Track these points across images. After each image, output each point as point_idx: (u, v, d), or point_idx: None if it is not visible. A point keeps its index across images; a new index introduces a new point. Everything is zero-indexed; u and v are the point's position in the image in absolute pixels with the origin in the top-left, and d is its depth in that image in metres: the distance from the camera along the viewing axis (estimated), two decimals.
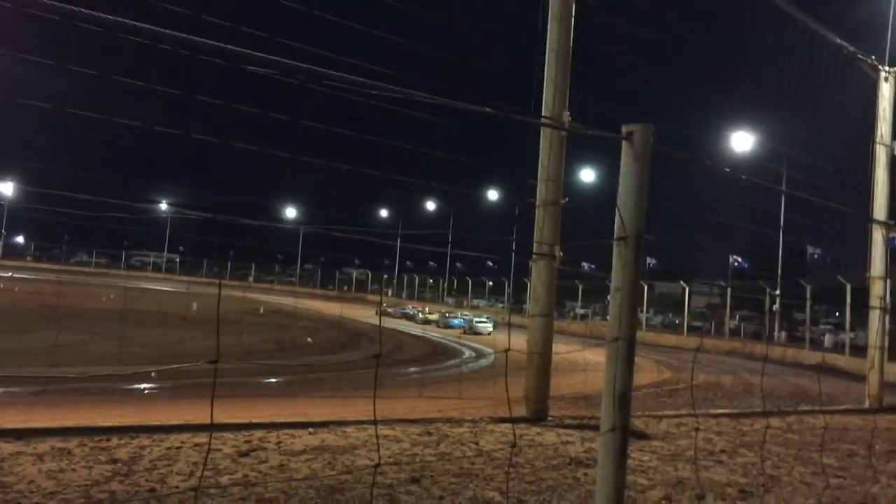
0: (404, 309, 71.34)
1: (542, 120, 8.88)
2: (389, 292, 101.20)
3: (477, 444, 7.14)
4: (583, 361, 21.00)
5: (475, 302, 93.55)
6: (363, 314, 62.05)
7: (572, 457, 6.75)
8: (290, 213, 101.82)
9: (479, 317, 59.30)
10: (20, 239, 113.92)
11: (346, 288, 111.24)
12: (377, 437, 6.99)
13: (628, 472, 3.17)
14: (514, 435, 7.74)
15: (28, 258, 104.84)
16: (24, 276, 63.61)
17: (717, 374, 32.80)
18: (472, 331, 53.63)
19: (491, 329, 54.37)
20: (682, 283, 63.80)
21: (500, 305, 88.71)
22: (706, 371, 33.87)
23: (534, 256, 9.45)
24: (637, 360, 3.14)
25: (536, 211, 9.35)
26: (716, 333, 63.58)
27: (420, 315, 65.54)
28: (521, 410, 9.18)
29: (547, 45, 9.41)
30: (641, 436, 8.11)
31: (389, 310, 71.50)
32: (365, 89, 2.95)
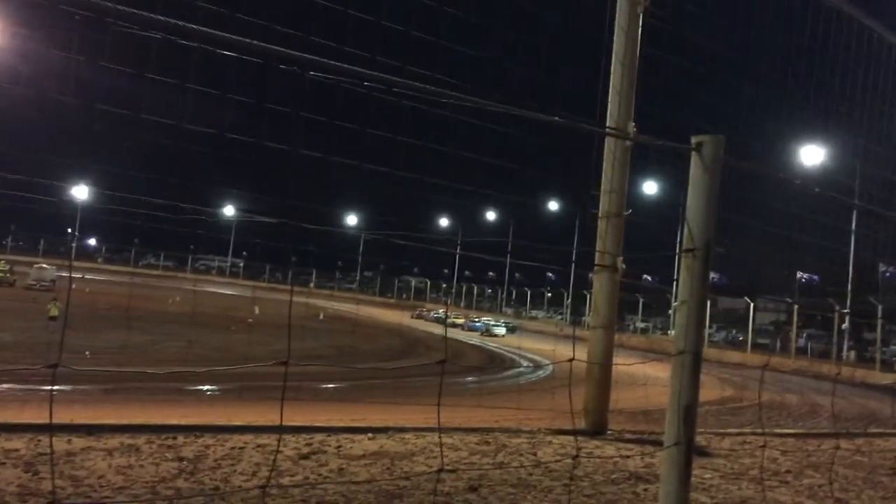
0: (436, 313, 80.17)
1: (608, 130, 8.82)
2: (448, 301, 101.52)
3: (535, 454, 7.10)
4: (643, 376, 20.70)
5: (533, 313, 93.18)
6: (411, 321, 63.08)
7: (632, 471, 6.66)
8: (352, 219, 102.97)
9: (497, 322, 70.16)
10: (92, 241, 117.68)
11: (404, 296, 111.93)
12: (440, 444, 7.01)
13: (690, 489, 3.12)
14: (576, 447, 7.67)
15: (99, 260, 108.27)
16: (96, 277, 65.65)
17: (781, 392, 31.97)
18: (488, 333, 63.62)
19: (504, 332, 64.43)
20: (746, 298, 62.38)
21: (559, 317, 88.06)
22: (771, 389, 33.04)
23: (595, 268, 9.36)
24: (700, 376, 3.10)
25: (599, 222, 9.26)
26: (781, 351, 61.97)
27: (448, 318, 74.00)
28: (579, 423, 9.09)
29: (613, 56, 9.34)
30: (703, 453, 7.95)
31: (423, 313, 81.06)
32: (432, 97, 2.99)
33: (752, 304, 61.10)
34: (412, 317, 74.59)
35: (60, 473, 4.97)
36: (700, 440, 8.83)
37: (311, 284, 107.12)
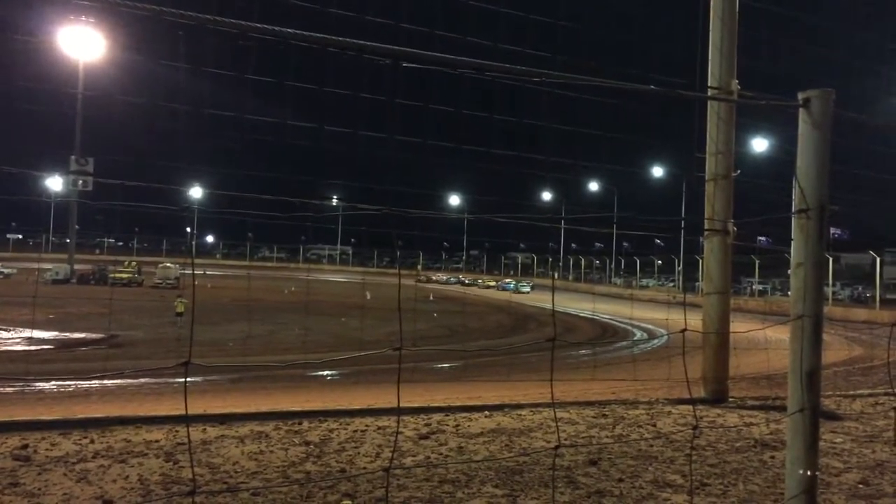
0: (451, 279, 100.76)
1: (710, 91, 8.54)
2: (556, 275, 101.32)
3: (654, 425, 7.02)
4: (763, 339, 20.01)
5: (644, 282, 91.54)
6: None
7: (757, 439, 6.50)
8: (455, 200, 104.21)
9: (522, 283, 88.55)
10: (210, 238, 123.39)
11: (512, 272, 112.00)
12: (555, 419, 7.03)
13: (820, 454, 3.02)
14: (696, 416, 7.54)
15: (218, 256, 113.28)
16: (216, 272, 68.57)
17: None
18: (517, 291, 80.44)
19: (529, 290, 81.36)
20: (871, 252, 59.14)
21: (671, 284, 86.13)
22: None
23: (705, 233, 9.12)
24: (825, 336, 2.99)
25: (707, 186, 9.01)
26: None
27: (480, 283, 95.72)
28: (698, 392, 8.92)
29: (711, 13, 9.02)
30: (833, 416, 7.67)
31: (434, 277, 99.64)
32: (524, 76, 2.98)
33: (878, 259, 57.84)
34: (416, 282, 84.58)
35: (198, 461, 5.27)
36: (829, 403, 8.51)
37: (419, 267, 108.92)
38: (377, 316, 36.41)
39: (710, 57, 8.96)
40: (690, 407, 8.04)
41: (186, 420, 6.04)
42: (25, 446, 5.47)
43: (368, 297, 46.55)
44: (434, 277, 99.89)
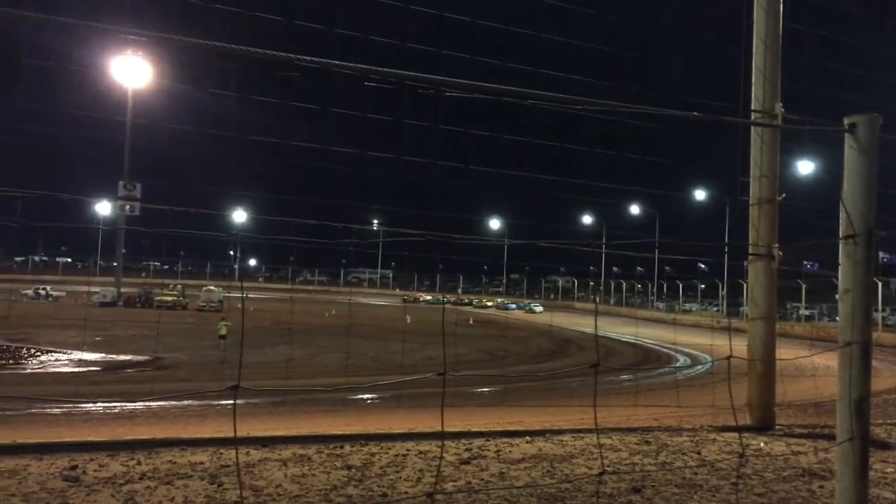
0: (439, 298, 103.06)
1: (753, 115, 8.47)
2: (597, 299, 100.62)
3: (699, 453, 6.91)
4: (810, 366, 19.57)
5: (687, 306, 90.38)
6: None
7: (805, 468, 6.36)
8: (495, 224, 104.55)
9: (535, 303, 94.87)
10: (252, 262, 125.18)
11: (552, 296, 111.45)
12: (598, 445, 6.96)
13: (871, 484, 2.96)
14: (741, 444, 7.40)
15: (260, 279, 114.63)
16: (258, 295, 69.28)
17: None
18: (530, 311, 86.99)
19: (541, 309, 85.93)
20: None
21: (715, 309, 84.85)
22: None
23: (750, 257, 9.00)
24: (874, 363, 2.94)
25: (751, 210, 8.91)
26: None
27: (474, 303, 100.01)
28: (744, 419, 8.76)
29: (754, 35, 8.97)
30: (884, 446, 7.47)
31: (421, 298, 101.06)
32: (566, 105, 3.01)
33: None
34: (403, 301, 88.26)
35: (242, 484, 5.32)
36: (879, 432, 8.30)
37: (459, 291, 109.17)
38: (417, 339, 36.45)
39: (753, 80, 8.90)
40: (736, 434, 7.90)
41: (235, 443, 6.11)
42: (74, 467, 5.58)
43: (409, 320, 46.67)
44: (421, 298, 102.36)
